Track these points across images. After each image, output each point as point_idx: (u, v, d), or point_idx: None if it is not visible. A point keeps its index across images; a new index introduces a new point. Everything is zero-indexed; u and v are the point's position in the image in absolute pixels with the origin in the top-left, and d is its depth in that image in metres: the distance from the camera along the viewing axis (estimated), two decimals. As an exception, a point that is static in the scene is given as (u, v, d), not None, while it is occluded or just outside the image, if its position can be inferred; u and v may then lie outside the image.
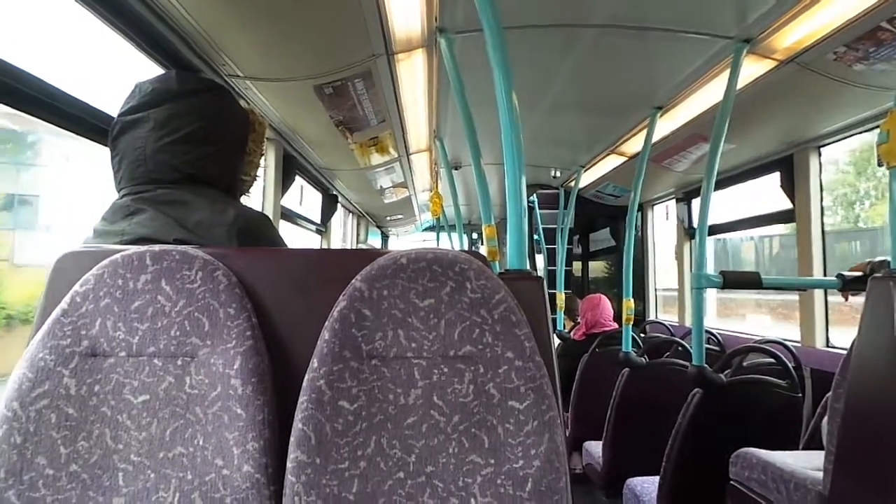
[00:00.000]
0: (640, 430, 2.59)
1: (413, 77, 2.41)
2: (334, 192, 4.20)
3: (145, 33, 1.56)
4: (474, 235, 8.00)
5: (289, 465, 0.83)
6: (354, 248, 5.92)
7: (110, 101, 1.36)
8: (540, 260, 5.35)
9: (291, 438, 0.83)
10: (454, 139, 3.47)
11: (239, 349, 0.86)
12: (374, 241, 7.31)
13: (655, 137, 2.89)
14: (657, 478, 2.16)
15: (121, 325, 0.87)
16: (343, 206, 4.95)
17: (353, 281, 0.88)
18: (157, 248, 0.90)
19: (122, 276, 0.88)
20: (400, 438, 0.84)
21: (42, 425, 0.83)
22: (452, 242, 6.03)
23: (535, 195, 5.00)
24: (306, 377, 0.85)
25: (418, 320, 0.87)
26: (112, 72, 1.71)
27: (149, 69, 1.65)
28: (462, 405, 0.84)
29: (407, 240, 9.18)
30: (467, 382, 0.85)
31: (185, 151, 1.12)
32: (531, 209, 5.05)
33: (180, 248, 0.91)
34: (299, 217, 3.56)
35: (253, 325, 0.89)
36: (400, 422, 0.84)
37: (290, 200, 3.22)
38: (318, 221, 4.05)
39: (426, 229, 8.48)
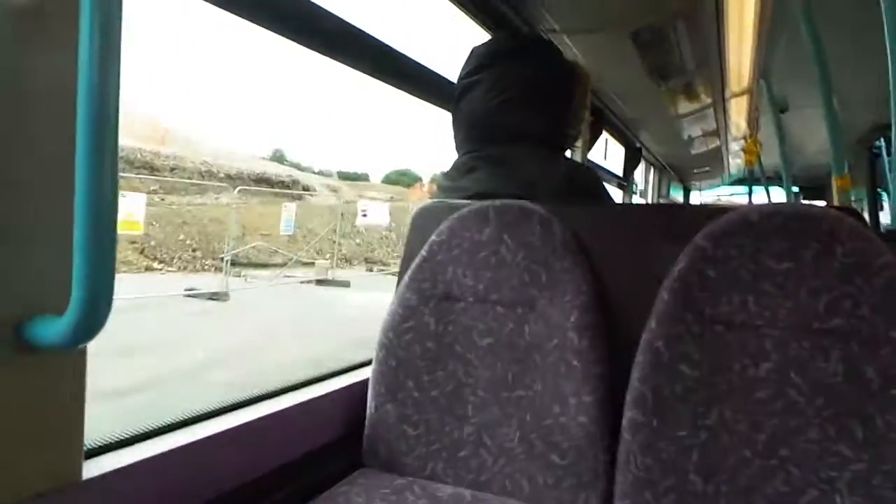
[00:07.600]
0: None
1: (741, 8, 2.16)
2: (638, 145, 4.07)
3: None
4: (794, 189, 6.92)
5: (624, 423, 0.82)
6: (655, 202, 5.69)
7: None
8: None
9: (627, 397, 0.82)
10: (783, 77, 3.03)
11: (575, 302, 0.89)
12: (676, 196, 6.90)
13: None
14: None
15: (469, 272, 0.97)
16: (645, 159, 4.77)
17: (696, 238, 0.83)
18: (498, 203, 0.98)
19: (469, 229, 0.98)
20: (747, 413, 0.77)
21: (410, 354, 0.97)
22: (770, 198, 5.34)
23: (881, 139, 4.10)
24: (643, 336, 0.83)
25: (772, 285, 0.78)
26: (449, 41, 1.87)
27: (477, 35, 1.77)
28: (828, 387, 0.74)
29: (709, 195, 8.44)
30: (835, 361, 0.74)
31: (514, 109, 1.17)
32: (877, 156, 4.17)
33: (519, 203, 0.97)
34: (603, 171, 3.55)
35: (588, 279, 0.91)
36: (747, 396, 0.77)
37: (594, 154, 3.22)
38: (621, 175, 3.99)
39: (733, 182, 7.66)
